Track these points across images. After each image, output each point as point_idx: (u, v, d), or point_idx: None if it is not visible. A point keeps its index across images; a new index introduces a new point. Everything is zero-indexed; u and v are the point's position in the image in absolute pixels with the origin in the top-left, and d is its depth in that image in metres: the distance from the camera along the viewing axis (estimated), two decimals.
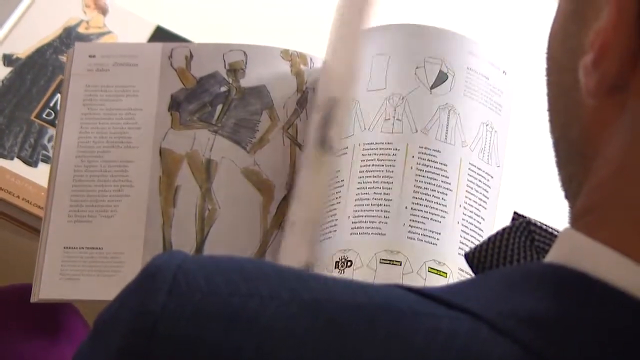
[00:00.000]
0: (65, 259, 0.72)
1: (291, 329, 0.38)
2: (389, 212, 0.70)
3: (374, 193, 0.71)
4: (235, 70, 0.77)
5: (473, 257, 0.52)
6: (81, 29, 0.95)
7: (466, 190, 0.72)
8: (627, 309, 0.36)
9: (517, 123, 0.77)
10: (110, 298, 0.43)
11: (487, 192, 0.73)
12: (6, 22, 0.93)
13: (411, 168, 0.71)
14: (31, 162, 0.87)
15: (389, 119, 0.73)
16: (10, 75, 0.91)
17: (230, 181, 0.74)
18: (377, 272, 0.69)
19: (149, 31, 0.95)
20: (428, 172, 0.71)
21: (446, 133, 0.72)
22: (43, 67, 0.92)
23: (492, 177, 0.74)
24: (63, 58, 0.92)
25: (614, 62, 0.38)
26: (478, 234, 0.72)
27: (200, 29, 0.95)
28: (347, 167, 0.73)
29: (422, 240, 0.69)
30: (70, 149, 0.75)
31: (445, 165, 0.72)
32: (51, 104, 0.90)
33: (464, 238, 0.71)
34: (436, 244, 0.70)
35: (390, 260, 0.69)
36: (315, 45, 0.73)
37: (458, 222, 0.71)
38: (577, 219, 0.41)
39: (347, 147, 0.74)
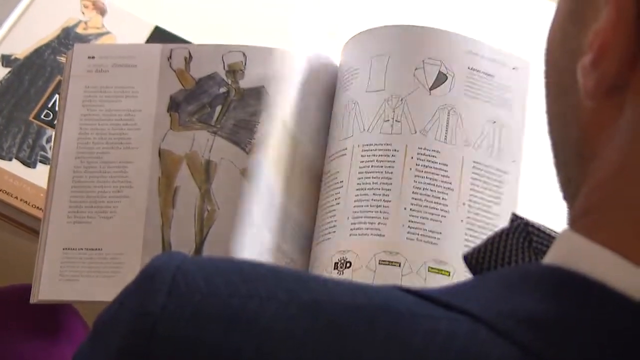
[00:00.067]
0: (64, 260, 0.72)
1: (291, 330, 0.38)
2: (388, 213, 0.70)
3: (373, 194, 0.71)
4: (234, 71, 0.77)
5: (471, 259, 0.52)
6: (80, 30, 0.95)
7: (471, 188, 0.72)
8: (625, 310, 0.36)
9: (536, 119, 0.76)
10: (109, 299, 0.43)
11: (499, 188, 0.73)
12: (4, 23, 0.93)
13: (410, 169, 0.71)
14: (29, 163, 0.87)
15: (388, 120, 0.73)
16: (8, 76, 0.91)
17: (230, 182, 0.74)
18: (376, 273, 0.69)
19: (147, 32, 0.95)
20: (427, 172, 0.71)
21: (446, 133, 0.72)
22: (41, 68, 0.92)
23: (505, 173, 0.73)
24: (61, 59, 0.92)
25: (613, 62, 0.38)
26: (490, 230, 0.71)
27: (199, 29, 0.95)
28: (346, 168, 0.73)
29: (421, 241, 0.69)
30: (69, 149, 0.75)
31: (445, 165, 0.72)
32: (49, 105, 0.90)
33: (471, 235, 0.71)
34: (437, 244, 0.70)
35: (389, 261, 0.69)
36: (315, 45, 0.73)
37: (462, 220, 0.71)
38: (576, 221, 0.41)
39: (346, 149, 0.74)
